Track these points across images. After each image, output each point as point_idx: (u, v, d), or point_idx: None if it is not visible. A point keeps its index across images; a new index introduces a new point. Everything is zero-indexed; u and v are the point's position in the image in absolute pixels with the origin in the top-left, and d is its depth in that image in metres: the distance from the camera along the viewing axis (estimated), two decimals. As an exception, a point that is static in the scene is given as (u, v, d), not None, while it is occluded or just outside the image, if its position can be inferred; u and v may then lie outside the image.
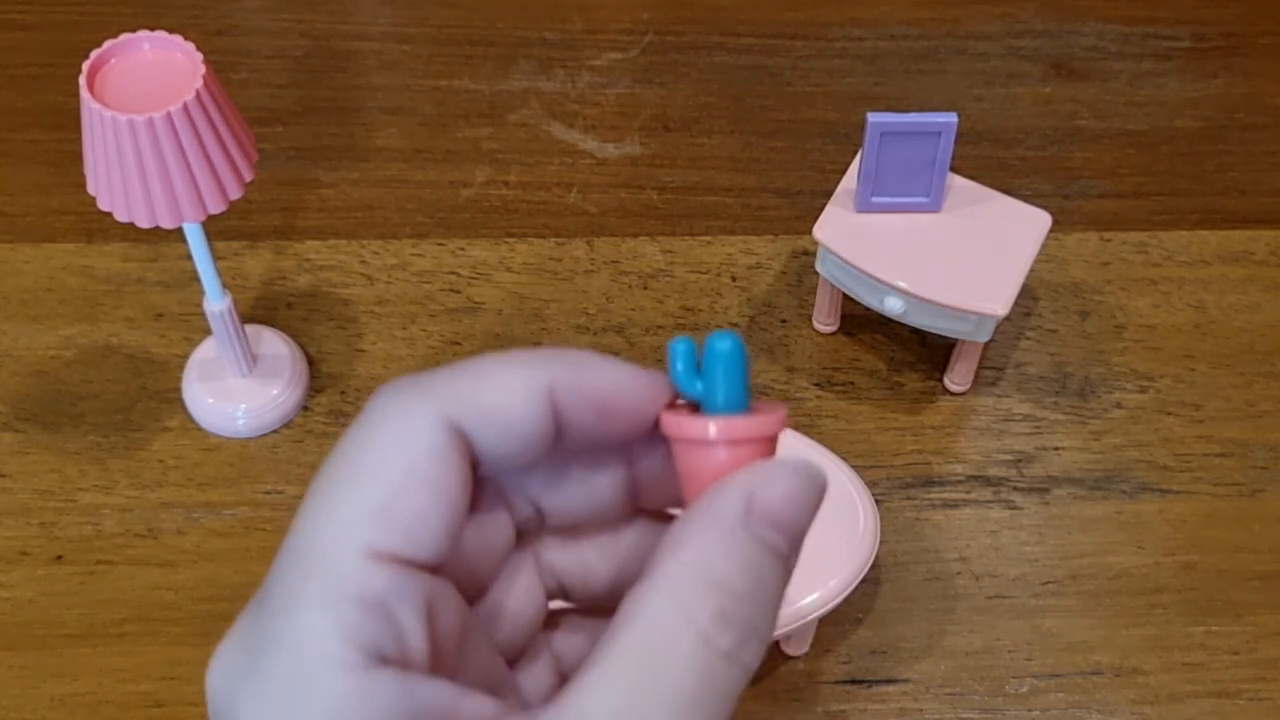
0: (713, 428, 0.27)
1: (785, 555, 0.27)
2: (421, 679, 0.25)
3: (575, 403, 0.28)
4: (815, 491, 0.27)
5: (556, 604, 0.32)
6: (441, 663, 0.27)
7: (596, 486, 0.30)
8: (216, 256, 0.62)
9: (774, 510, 0.27)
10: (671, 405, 0.29)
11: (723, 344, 0.28)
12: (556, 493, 0.30)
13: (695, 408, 0.29)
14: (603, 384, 0.28)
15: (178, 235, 0.60)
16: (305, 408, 0.69)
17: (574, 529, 0.31)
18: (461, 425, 0.27)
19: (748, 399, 0.28)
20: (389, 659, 0.25)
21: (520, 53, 0.84)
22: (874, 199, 0.66)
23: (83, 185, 0.56)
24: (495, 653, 0.30)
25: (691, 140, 0.80)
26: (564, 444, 0.29)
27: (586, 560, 0.31)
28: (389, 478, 0.26)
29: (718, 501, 0.27)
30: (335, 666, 0.25)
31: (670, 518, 0.31)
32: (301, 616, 0.25)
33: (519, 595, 0.31)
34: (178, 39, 0.55)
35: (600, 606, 0.31)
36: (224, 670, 0.26)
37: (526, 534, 0.31)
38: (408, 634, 0.26)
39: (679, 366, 0.29)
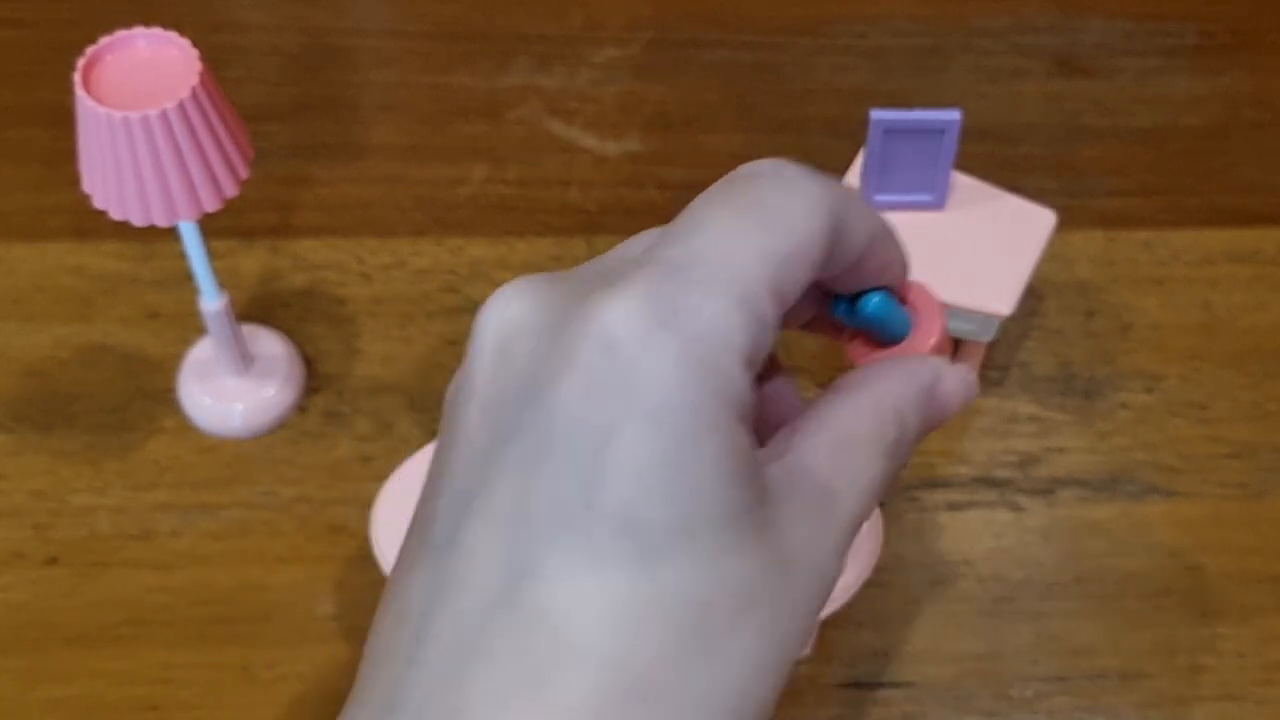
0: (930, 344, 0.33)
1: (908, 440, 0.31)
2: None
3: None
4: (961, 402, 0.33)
5: None
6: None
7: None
8: (212, 255, 0.61)
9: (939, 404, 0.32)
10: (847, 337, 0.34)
11: (871, 305, 0.33)
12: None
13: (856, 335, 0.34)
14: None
15: (172, 234, 0.59)
16: (301, 408, 0.68)
17: None
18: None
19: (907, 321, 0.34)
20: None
21: (519, 49, 0.83)
22: (877, 197, 0.65)
23: (76, 183, 0.55)
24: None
25: (693, 137, 0.79)
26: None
27: None
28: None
29: (919, 370, 0.32)
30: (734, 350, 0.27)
31: None
32: (714, 302, 0.27)
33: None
34: (173, 35, 0.54)
35: None
36: (635, 319, 0.27)
37: None
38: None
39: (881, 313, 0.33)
